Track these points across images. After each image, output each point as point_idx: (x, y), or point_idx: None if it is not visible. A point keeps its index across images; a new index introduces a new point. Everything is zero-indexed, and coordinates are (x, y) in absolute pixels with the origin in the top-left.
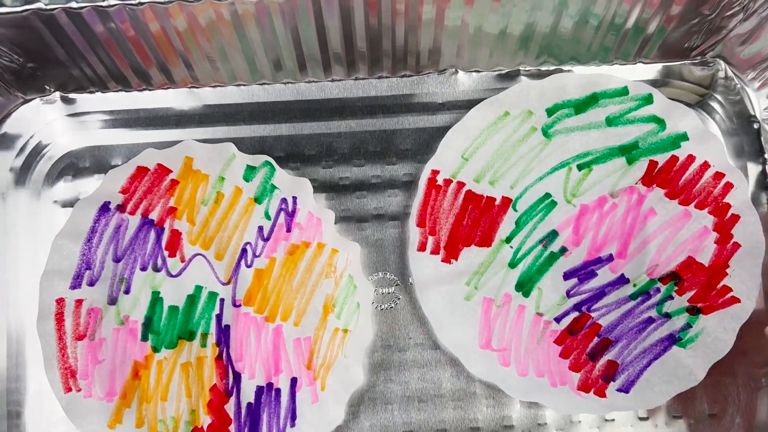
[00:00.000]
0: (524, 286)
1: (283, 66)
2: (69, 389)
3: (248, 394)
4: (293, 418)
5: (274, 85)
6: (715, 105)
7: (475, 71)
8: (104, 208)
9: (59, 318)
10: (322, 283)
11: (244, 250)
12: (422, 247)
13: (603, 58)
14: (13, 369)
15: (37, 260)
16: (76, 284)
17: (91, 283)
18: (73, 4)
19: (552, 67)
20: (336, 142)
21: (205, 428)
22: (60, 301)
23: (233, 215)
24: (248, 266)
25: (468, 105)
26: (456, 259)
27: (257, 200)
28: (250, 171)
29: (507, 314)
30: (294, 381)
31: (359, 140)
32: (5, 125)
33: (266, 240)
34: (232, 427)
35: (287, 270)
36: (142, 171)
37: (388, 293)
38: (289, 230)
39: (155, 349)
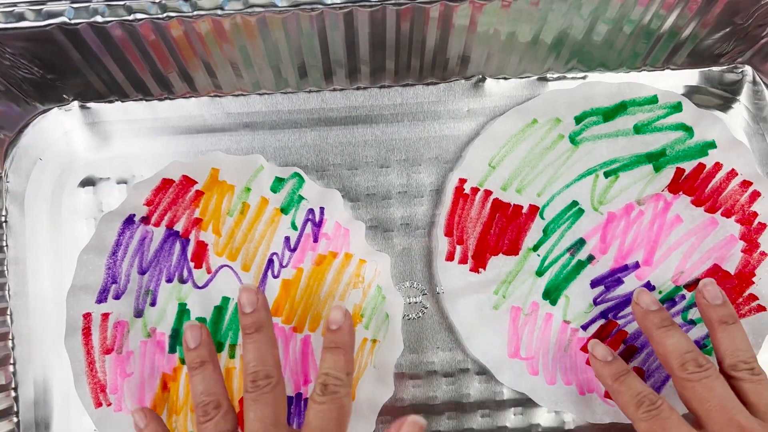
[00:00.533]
0: (551, 294)
1: (308, 74)
2: (99, 404)
3: None
4: None
5: (298, 93)
6: (742, 111)
7: (503, 78)
8: (129, 220)
9: (86, 333)
10: (349, 294)
11: (270, 261)
12: (450, 257)
13: (631, 64)
14: (40, 381)
15: (60, 272)
16: (102, 298)
17: (117, 297)
18: (99, 18)
19: (580, 74)
20: (361, 150)
21: None
22: (87, 316)
23: (259, 226)
24: (275, 277)
25: (494, 112)
26: (484, 269)
27: (284, 210)
28: (278, 182)
29: (534, 322)
30: None
31: (385, 149)
32: (24, 136)
33: (293, 250)
34: None
35: (315, 280)
36: (167, 183)
37: (416, 303)
38: (316, 240)
39: (183, 361)
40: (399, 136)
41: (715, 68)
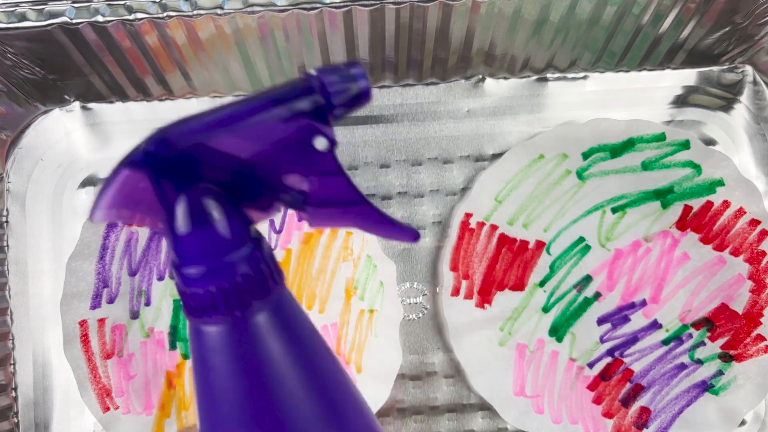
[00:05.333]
0: (558, 331)
1: None
2: (107, 408)
3: None
4: None
5: None
6: (743, 111)
7: (503, 78)
8: (112, 223)
9: (85, 340)
10: (340, 267)
11: None
12: (455, 292)
13: (631, 64)
14: (40, 382)
15: (61, 272)
16: (95, 304)
17: (111, 301)
18: (99, 18)
19: (580, 74)
20: (361, 150)
21: None
22: (83, 323)
23: None
24: None
25: (494, 112)
26: (489, 304)
27: None
28: None
29: (540, 360)
30: None
31: (385, 148)
32: (25, 136)
33: (279, 232)
34: None
35: (304, 259)
36: None
37: (416, 303)
38: (300, 219)
39: (186, 356)
40: (399, 136)
41: (715, 68)
